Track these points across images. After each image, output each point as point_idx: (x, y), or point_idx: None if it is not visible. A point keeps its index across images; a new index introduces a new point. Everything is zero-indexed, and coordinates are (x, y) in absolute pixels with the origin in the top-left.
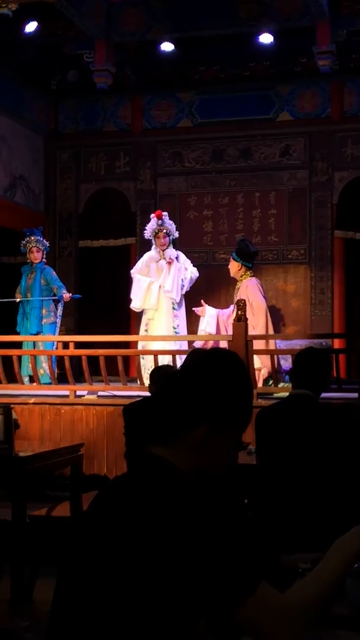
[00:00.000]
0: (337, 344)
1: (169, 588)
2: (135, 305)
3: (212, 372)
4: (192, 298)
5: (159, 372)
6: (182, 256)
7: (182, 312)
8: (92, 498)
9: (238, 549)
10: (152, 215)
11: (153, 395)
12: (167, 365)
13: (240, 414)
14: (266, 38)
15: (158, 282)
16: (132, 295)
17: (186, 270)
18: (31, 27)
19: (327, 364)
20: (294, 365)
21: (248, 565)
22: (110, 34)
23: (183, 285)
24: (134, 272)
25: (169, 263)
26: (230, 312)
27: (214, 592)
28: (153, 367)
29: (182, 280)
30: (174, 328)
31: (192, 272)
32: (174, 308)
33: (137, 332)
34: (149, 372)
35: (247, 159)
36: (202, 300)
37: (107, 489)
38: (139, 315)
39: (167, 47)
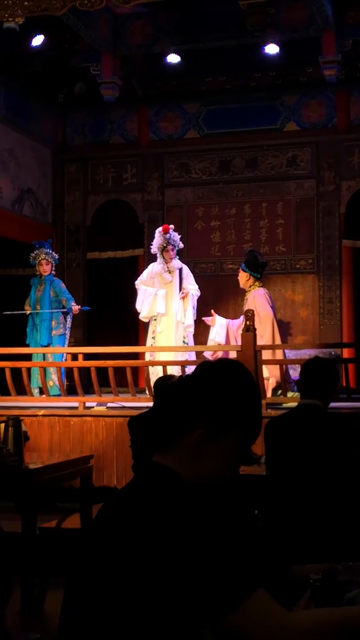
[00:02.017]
0: (346, 353)
1: (171, 593)
2: (143, 314)
3: (209, 378)
4: (201, 309)
5: (162, 383)
6: (185, 269)
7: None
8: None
9: (232, 554)
10: (158, 230)
11: (154, 405)
12: (170, 376)
13: (243, 421)
14: (272, 48)
15: (164, 290)
16: (138, 305)
17: (193, 297)
18: (38, 40)
19: (334, 373)
20: (301, 375)
21: (241, 572)
22: (116, 47)
23: (194, 313)
24: (139, 282)
25: (183, 298)
26: (240, 322)
27: (206, 596)
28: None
29: (194, 307)
30: (184, 337)
31: (195, 294)
32: (184, 342)
33: (145, 343)
34: None
35: (254, 170)
36: (212, 310)
37: (112, 500)
38: (148, 325)
39: (173, 58)
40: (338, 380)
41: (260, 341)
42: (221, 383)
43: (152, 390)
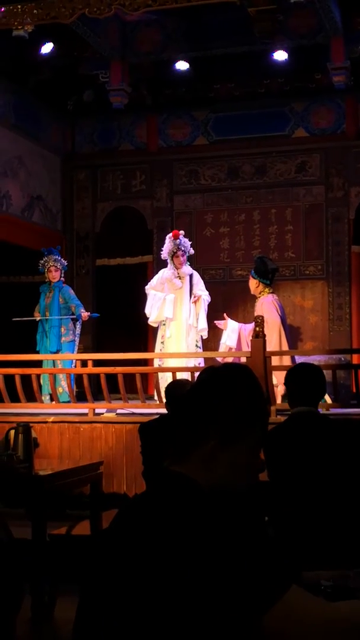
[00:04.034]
0: (355, 359)
1: (199, 600)
2: (151, 319)
3: (218, 386)
4: (210, 315)
5: (173, 387)
6: (196, 275)
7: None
8: (112, 516)
9: (262, 557)
10: (169, 235)
11: (168, 412)
12: (182, 380)
13: (254, 427)
14: (280, 55)
15: (173, 295)
16: (147, 310)
17: (204, 301)
18: (47, 48)
19: (321, 378)
20: (286, 384)
21: (273, 572)
22: (125, 54)
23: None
24: (149, 287)
25: (195, 302)
26: (252, 327)
27: (239, 602)
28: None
29: (205, 311)
30: (196, 342)
31: (206, 299)
32: (197, 346)
33: (154, 349)
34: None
35: (263, 176)
36: (224, 314)
37: (129, 508)
38: (157, 331)
39: (181, 65)
40: (325, 384)
41: (267, 347)
42: (230, 390)
43: (163, 396)
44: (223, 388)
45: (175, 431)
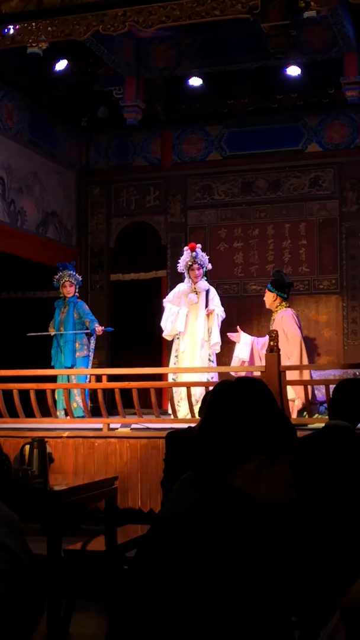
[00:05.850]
0: None
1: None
2: (166, 332)
3: (250, 403)
4: (224, 329)
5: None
6: (212, 291)
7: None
8: (127, 532)
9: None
10: (186, 248)
11: (199, 428)
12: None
13: (288, 442)
14: (294, 70)
15: (186, 309)
16: (163, 323)
17: (218, 316)
18: (61, 65)
19: None
20: (332, 395)
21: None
22: (139, 70)
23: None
24: (166, 301)
25: (208, 315)
26: (265, 341)
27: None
28: (184, 398)
29: (218, 326)
30: (209, 356)
31: (220, 315)
32: (210, 360)
33: (168, 364)
34: (179, 403)
35: (277, 191)
36: (237, 327)
37: (177, 521)
38: (171, 346)
39: (195, 81)
40: None
41: (287, 362)
42: (261, 407)
43: (177, 409)
44: (260, 403)
45: (215, 446)
